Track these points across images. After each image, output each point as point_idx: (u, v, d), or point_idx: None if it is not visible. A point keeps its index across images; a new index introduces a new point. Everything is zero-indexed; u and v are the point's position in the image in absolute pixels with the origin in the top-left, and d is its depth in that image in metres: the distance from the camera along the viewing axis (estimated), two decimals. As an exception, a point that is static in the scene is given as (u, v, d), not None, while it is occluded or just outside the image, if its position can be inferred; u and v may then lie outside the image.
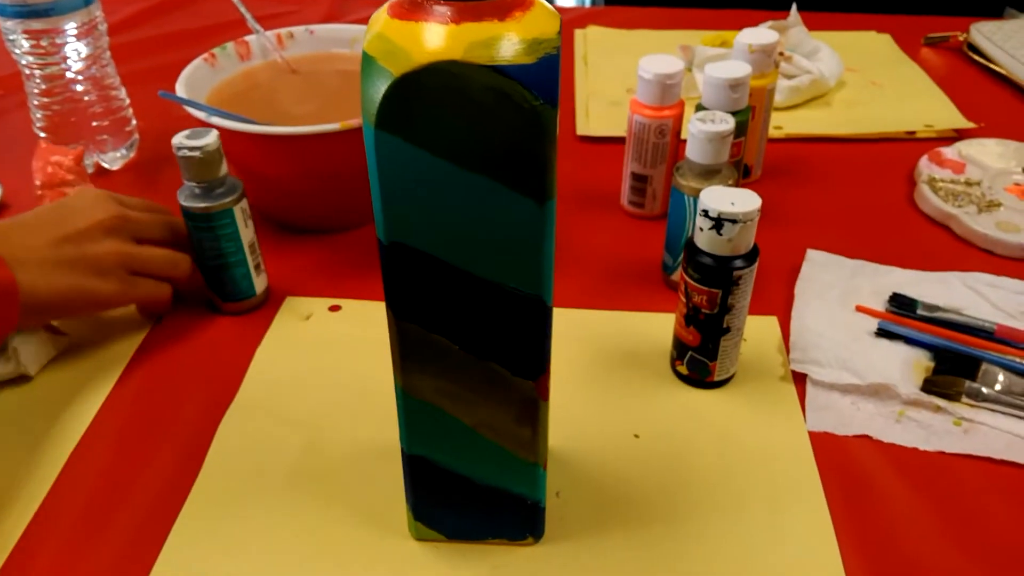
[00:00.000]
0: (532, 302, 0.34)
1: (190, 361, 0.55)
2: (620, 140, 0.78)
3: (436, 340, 0.35)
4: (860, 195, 0.72)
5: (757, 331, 0.56)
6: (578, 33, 1.02)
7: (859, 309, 0.57)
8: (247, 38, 0.72)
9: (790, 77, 0.84)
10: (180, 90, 0.63)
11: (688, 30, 1.02)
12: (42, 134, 0.73)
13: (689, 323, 0.50)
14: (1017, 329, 0.54)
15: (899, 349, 0.54)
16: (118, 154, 0.76)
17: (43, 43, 0.68)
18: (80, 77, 0.71)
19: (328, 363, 0.54)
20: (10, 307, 0.47)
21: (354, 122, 0.58)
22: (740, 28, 0.69)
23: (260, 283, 0.59)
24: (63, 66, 0.70)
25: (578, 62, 0.95)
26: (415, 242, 0.32)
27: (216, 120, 0.59)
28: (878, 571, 0.42)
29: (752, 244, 0.48)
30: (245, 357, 0.55)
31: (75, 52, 0.70)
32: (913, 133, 0.80)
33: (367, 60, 0.29)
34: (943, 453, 0.48)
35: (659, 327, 0.56)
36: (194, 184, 0.54)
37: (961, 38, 0.98)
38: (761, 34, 0.67)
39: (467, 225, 0.32)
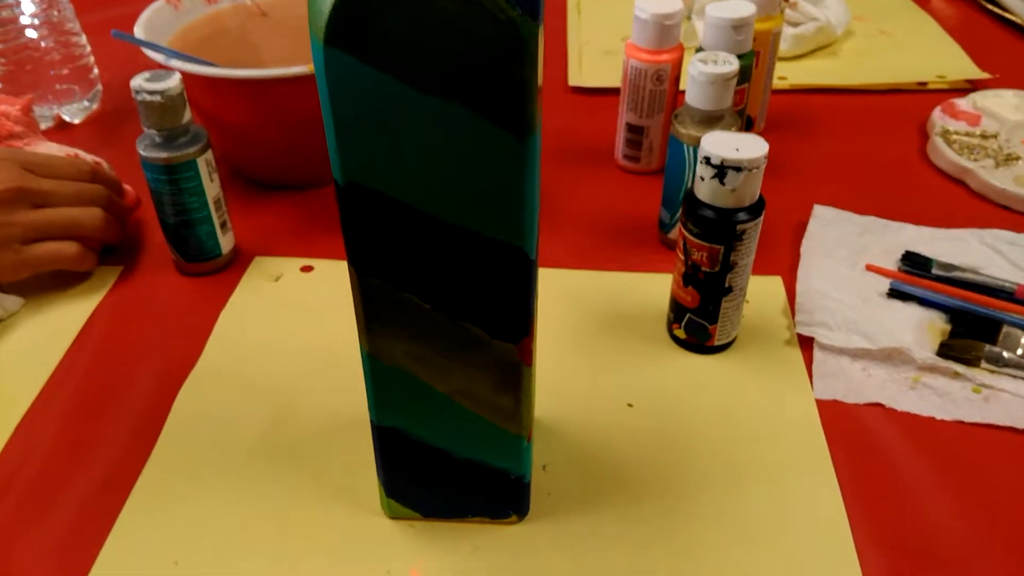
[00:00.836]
0: (513, 254, 0.30)
1: (149, 325, 0.52)
2: (615, 91, 0.74)
3: (404, 298, 0.32)
4: (870, 148, 0.69)
5: (760, 292, 0.54)
6: (571, -20, 0.98)
7: (869, 268, 0.55)
8: (214, -22, 0.67)
9: (795, 24, 0.80)
10: (139, 32, 0.59)
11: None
12: (-3, 85, 0.69)
13: (687, 283, 0.47)
14: (1040, 289, 0.52)
15: (912, 311, 0.52)
16: (80, 105, 0.73)
17: (-9, -17, 0.65)
18: (35, 22, 0.68)
19: (298, 327, 0.51)
20: None
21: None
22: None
23: (227, 242, 0.56)
24: (16, 10, 0.66)
25: (571, 10, 0.93)
26: (375, 183, 0.28)
27: (176, 63, 0.55)
28: (891, 550, 0.40)
29: (758, 195, 0.45)
30: (209, 321, 0.52)
31: (28, -7, 0.66)
32: (925, 84, 0.77)
33: (316, -35, 0.25)
34: (961, 423, 0.46)
35: (655, 288, 0.54)
36: (155, 132, 0.51)
37: (974, -14, 0.95)
38: (767, -28, 0.62)
39: (435, 163, 0.28)
